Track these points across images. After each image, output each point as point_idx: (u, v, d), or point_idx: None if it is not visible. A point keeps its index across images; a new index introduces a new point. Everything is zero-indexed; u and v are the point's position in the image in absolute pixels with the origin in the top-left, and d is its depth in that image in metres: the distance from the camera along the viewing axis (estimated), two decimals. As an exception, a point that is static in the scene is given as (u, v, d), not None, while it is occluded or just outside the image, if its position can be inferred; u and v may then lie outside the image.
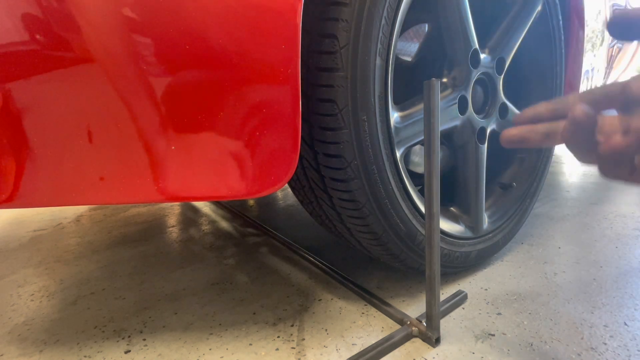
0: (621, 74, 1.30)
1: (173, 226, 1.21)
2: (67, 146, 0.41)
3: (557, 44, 0.85)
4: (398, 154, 0.59)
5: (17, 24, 0.37)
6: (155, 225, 1.23)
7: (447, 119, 0.66)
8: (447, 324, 0.61)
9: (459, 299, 0.66)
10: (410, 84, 0.75)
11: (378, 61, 0.52)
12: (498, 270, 0.80)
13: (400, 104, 0.61)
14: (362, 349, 0.54)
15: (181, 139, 0.42)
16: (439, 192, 0.51)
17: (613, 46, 1.16)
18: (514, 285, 0.73)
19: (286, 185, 0.55)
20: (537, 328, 0.59)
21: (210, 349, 0.57)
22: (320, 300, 0.70)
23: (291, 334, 0.60)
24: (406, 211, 0.60)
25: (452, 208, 0.76)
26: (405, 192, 0.60)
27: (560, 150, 2.97)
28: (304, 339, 0.58)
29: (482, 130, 0.72)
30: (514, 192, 0.87)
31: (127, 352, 0.57)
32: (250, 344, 0.57)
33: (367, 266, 0.83)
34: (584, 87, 1.02)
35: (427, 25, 0.74)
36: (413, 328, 0.57)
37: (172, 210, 1.42)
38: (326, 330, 0.60)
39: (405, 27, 0.68)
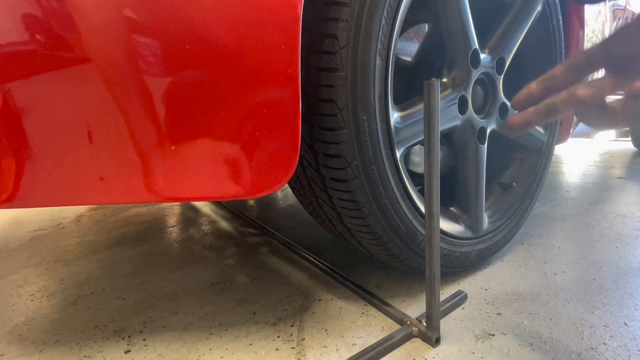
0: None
1: (173, 226, 1.21)
2: (67, 146, 0.41)
3: (557, 44, 0.85)
4: (398, 154, 0.59)
5: (17, 24, 0.37)
6: (155, 225, 1.23)
7: (447, 119, 0.66)
8: (447, 324, 0.61)
9: (459, 299, 0.66)
10: (410, 84, 0.75)
11: (378, 61, 0.52)
12: (498, 270, 0.80)
13: (400, 104, 0.61)
14: (362, 349, 0.54)
15: (181, 139, 0.42)
16: (439, 192, 0.51)
17: (613, 46, 1.16)
18: (514, 285, 0.73)
19: (286, 185, 0.55)
20: (537, 328, 0.59)
21: (210, 349, 0.57)
22: (320, 300, 0.70)
23: (291, 334, 0.60)
24: (406, 211, 0.60)
25: (452, 208, 0.76)
26: (405, 192, 0.60)
27: (560, 150, 2.97)
28: (304, 339, 0.58)
29: (482, 130, 0.72)
30: (514, 192, 0.87)
31: (127, 352, 0.57)
32: (250, 344, 0.57)
33: (367, 266, 0.83)
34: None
35: (427, 25, 0.74)
36: (413, 328, 0.57)
37: (172, 210, 1.42)
38: (326, 330, 0.60)
39: (405, 27, 0.68)
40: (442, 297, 0.66)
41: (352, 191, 0.55)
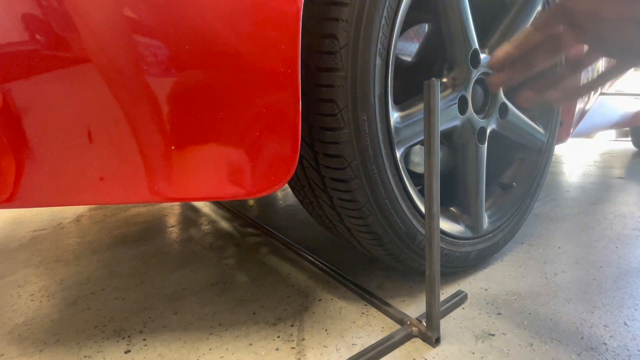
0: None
1: (173, 226, 1.21)
2: (67, 146, 0.41)
3: (557, 44, 0.85)
4: (398, 154, 0.59)
5: (17, 24, 0.37)
6: (155, 225, 1.23)
7: (447, 119, 0.66)
8: (447, 324, 0.61)
9: (459, 299, 0.66)
10: (410, 84, 0.75)
11: (378, 61, 0.52)
12: (498, 270, 0.80)
13: (400, 104, 0.61)
14: (362, 349, 0.54)
15: (180, 139, 0.42)
16: (439, 192, 0.51)
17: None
18: (514, 285, 0.73)
19: (286, 185, 0.55)
20: (537, 328, 0.59)
21: (210, 349, 0.57)
22: (320, 300, 0.70)
23: (291, 334, 0.60)
24: (406, 211, 0.60)
25: (452, 208, 0.76)
26: (405, 192, 0.60)
27: (561, 150, 2.97)
28: (304, 339, 0.58)
29: (482, 130, 0.72)
30: (514, 192, 0.87)
31: (127, 352, 0.57)
32: (250, 344, 0.57)
33: (367, 266, 0.83)
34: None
35: (427, 25, 0.74)
36: (413, 328, 0.57)
37: (172, 210, 1.42)
38: (326, 330, 0.60)
39: (405, 27, 0.68)
40: (442, 297, 0.66)
41: (352, 191, 0.55)
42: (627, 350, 0.53)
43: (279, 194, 1.64)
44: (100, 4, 0.37)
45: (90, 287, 0.80)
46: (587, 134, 1.72)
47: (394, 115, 0.58)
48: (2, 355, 0.58)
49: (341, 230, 0.66)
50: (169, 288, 0.77)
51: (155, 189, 0.42)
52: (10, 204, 0.42)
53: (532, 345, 0.55)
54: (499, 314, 0.63)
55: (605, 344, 0.55)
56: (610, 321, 0.60)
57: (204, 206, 1.46)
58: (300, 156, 0.59)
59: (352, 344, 0.56)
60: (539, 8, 0.78)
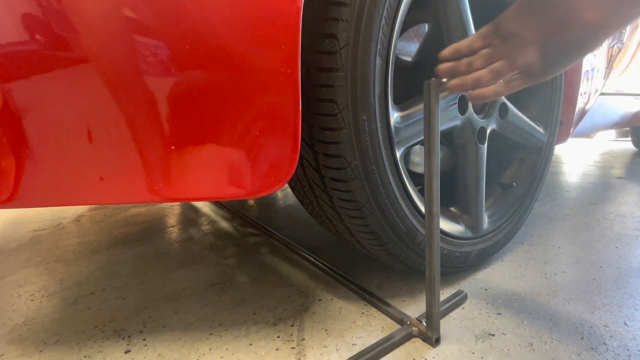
0: (621, 73, 1.30)
1: (173, 226, 1.21)
2: (67, 146, 0.41)
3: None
4: (398, 154, 0.59)
5: (17, 23, 0.37)
6: (155, 225, 1.23)
7: (447, 119, 0.66)
8: (447, 324, 0.61)
9: (459, 299, 0.66)
10: (410, 84, 0.75)
11: (378, 61, 0.52)
12: (498, 270, 0.80)
13: (400, 104, 0.61)
14: (362, 349, 0.54)
15: (180, 139, 0.42)
16: (439, 192, 0.51)
17: (613, 46, 1.16)
18: (514, 285, 0.73)
19: (286, 185, 0.55)
20: (537, 328, 0.59)
21: (210, 349, 0.57)
22: (320, 300, 0.70)
23: (291, 334, 0.60)
24: (406, 211, 0.60)
25: (452, 208, 0.76)
26: (405, 192, 0.60)
27: (561, 150, 2.97)
28: (304, 339, 0.58)
29: (482, 130, 0.72)
30: (514, 192, 0.87)
31: (127, 352, 0.57)
32: (250, 344, 0.57)
33: (367, 266, 0.83)
34: (584, 87, 1.02)
35: (427, 25, 0.74)
36: (413, 328, 0.57)
37: (172, 210, 1.42)
38: (326, 330, 0.60)
39: (405, 27, 0.68)
40: (442, 297, 0.66)
41: (352, 191, 0.55)
42: (627, 350, 0.53)
43: (279, 194, 1.64)
44: (100, 4, 0.37)
45: (90, 287, 0.80)
46: (587, 134, 1.72)
47: (394, 115, 0.58)
48: (2, 355, 0.58)
49: (341, 230, 0.66)
50: (169, 288, 0.77)
51: (155, 189, 0.42)
52: (10, 204, 0.42)
53: (532, 345, 0.55)
54: (499, 314, 0.63)
55: (605, 344, 0.55)
56: (610, 321, 0.60)
57: (204, 206, 1.46)
58: (300, 156, 0.59)
59: (352, 344, 0.56)
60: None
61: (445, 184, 0.71)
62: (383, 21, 0.52)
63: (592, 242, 0.94)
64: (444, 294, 0.69)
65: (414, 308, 0.66)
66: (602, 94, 1.21)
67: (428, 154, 0.49)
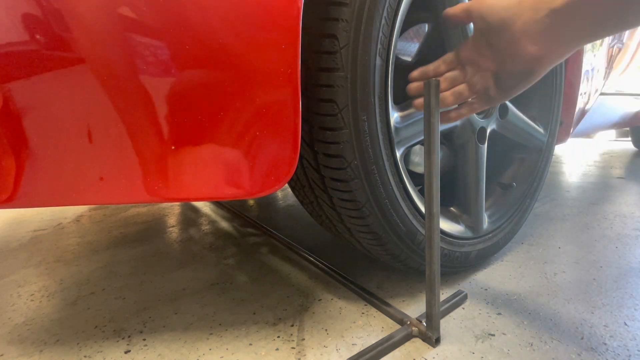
0: (621, 73, 1.30)
1: (173, 226, 1.21)
2: (67, 146, 0.41)
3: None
4: (398, 154, 0.59)
5: (17, 23, 0.37)
6: (155, 225, 1.23)
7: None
8: (447, 324, 0.61)
9: (459, 299, 0.66)
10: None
11: (378, 61, 0.52)
12: (498, 270, 0.80)
13: (400, 104, 0.61)
14: (362, 349, 0.54)
15: (180, 139, 0.42)
16: (439, 192, 0.51)
17: (613, 46, 1.16)
18: (514, 285, 0.73)
19: (286, 185, 0.55)
20: (537, 328, 0.59)
21: (210, 349, 0.57)
22: (320, 300, 0.70)
23: (291, 334, 0.60)
24: (406, 211, 0.60)
25: (452, 208, 0.76)
26: (405, 192, 0.60)
27: (561, 150, 2.97)
28: (304, 339, 0.58)
29: (482, 130, 0.72)
30: (514, 192, 0.87)
31: (127, 352, 0.57)
32: (250, 344, 0.57)
33: (367, 266, 0.83)
34: (584, 87, 1.02)
35: (427, 25, 0.74)
36: (413, 328, 0.57)
37: (172, 210, 1.42)
38: (326, 330, 0.60)
39: (405, 27, 0.68)
40: (442, 297, 0.66)
41: (352, 191, 0.55)
42: (627, 350, 0.53)
43: (279, 194, 1.64)
44: (100, 4, 0.37)
45: (90, 287, 0.80)
46: (587, 134, 1.72)
47: (394, 115, 0.58)
48: (2, 355, 0.58)
49: (341, 231, 0.66)
50: (169, 288, 0.77)
51: (155, 189, 0.42)
52: (10, 204, 0.42)
53: (532, 345, 0.55)
54: (499, 314, 0.63)
55: (605, 344, 0.55)
56: (610, 321, 0.60)
57: (204, 206, 1.46)
58: (300, 156, 0.59)
59: (352, 344, 0.56)
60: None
61: (445, 184, 0.71)
62: (383, 21, 0.52)
63: (592, 242, 0.94)
64: (444, 294, 0.69)
65: (414, 308, 0.66)
66: (602, 94, 1.21)
67: (428, 154, 0.49)
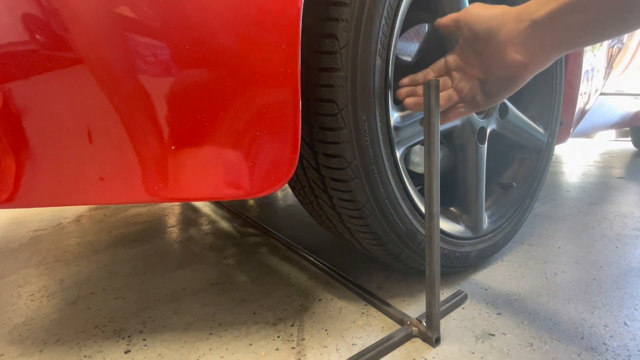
0: (621, 73, 1.30)
1: (173, 226, 1.21)
2: (67, 146, 0.41)
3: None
4: (398, 154, 0.59)
5: (17, 23, 0.37)
6: (155, 225, 1.23)
7: (447, 119, 0.65)
8: (447, 324, 0.61)
9: (459, 299, 0.66)
10: (410, 84, 0.75)
11: (378, 61, 0.52)
12: (498, 270, 0.80)
13: (400, 104, 0.61)
14: (362, 349, 0.54)
15: (180, 139, 0.42)
16: (439, 192, 0.51)
17: (613, 46, 1.16)
18: (514, 285, 0.73)
19: (286, 185, 0.55)
20: (537, 328, 0.59)
21: (210, 349, 0.57)
22: (320, 300, 0.70)
23: (291, 334, 0.60)
24: (406, 211, 0.60)
25: (452, 208, 0.76)
26: (405, 192, 0.60)
27: (561, 150, 2.97)
28: (304, 339, 0.58)
29: (482, 130, 0.72)
30: (514, 192, 0.87)
31: (127, 352, 0.57)
32: (250, 344, 0.57)
33: (367, 266, 0.83)
34: (584, 87, 1.02)
35: (427, 25, 0.74)
36: (413, 328, 0.57)
37: (172, 210, 1.42)
38: (326, 330, 0.60)
39: (405, 27, 0.68)
40: (442, 297, 0.66)
41: (352, 191, 0.55)
42: (627, 350, 0.53)
43: (279, 194, 1.64)
44: (99, 4, 0.37)
45: (90, 287, 0.80)
46: (587, 134, 1.72)
47: (394, 115, 0.58)
48: (2, 355, 0.58)
49: (341, 231, 0.66)
50: (169, 288, 0.77)
51: (155, 189, 0.42)
52: (10, 204, 0.42)
53: (532, 345, 0.55)
54: (499, 314, 0.63)
55: (605, 344, 0.55)
56: (610, 321, 0.60)
57: (204, 206, 1.46)
58: (300, 156, 0.59)
59: (352, 344, 0.56)
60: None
61: (445, 184, 0.71)
62: (383, 21, 0.52)
63: (592, 242, 0.94)
64: (444, 294, 0.69)
65: (414, 308, 0.66)
66: (602, 94, 1.21)
67: (428, 154, 0.49)
